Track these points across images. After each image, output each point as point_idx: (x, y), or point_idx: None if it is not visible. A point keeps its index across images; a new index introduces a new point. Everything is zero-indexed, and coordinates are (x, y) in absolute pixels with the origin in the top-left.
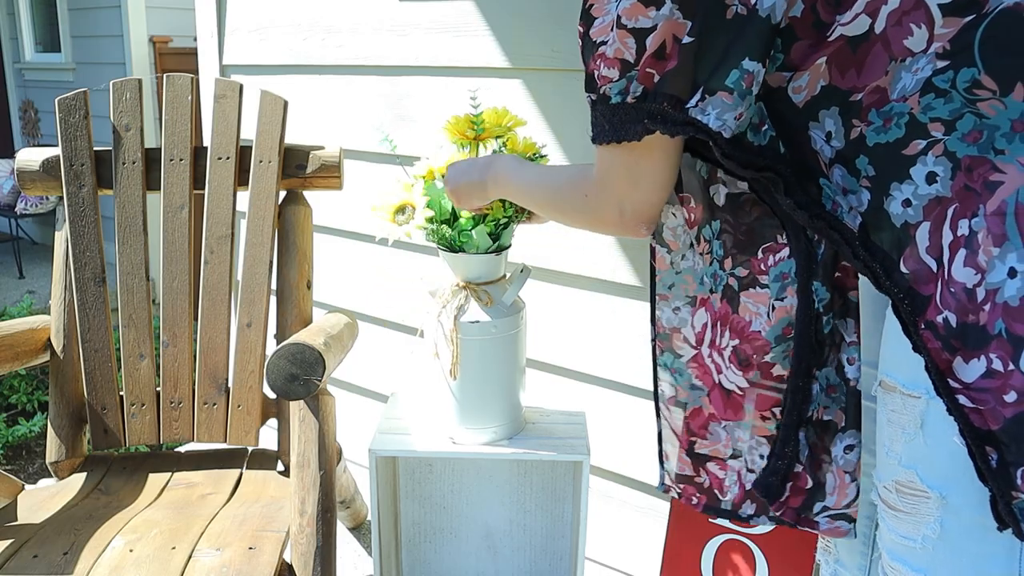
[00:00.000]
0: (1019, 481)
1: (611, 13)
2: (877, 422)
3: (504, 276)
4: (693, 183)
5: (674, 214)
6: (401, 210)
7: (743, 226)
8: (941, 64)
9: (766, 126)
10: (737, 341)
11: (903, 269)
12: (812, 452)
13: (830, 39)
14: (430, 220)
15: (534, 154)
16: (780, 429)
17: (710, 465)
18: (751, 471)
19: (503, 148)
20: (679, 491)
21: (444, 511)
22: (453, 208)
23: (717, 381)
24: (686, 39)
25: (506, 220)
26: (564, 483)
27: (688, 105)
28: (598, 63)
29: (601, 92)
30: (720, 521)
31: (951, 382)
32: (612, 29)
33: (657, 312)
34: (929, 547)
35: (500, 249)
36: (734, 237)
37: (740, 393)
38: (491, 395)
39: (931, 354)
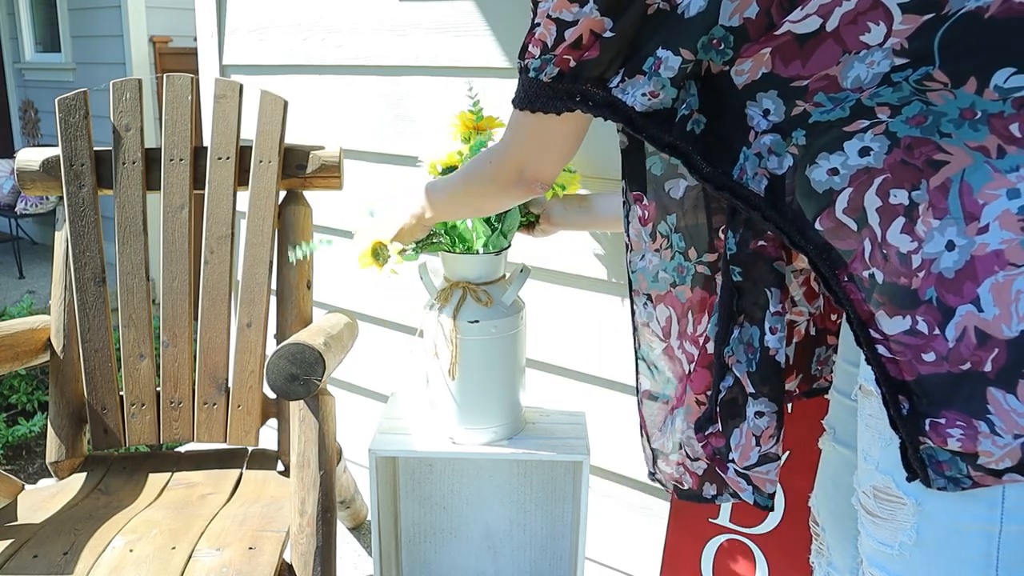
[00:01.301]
0: (927, 428)
1: (549, 1)
2: (858, 426)
3: (504, 276)
4: (644, 181)
5: (639, 216)
6: (376, 253)
7: (699, 215)
8: (900, 62)
9: (684, 104)
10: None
11: (817, 227)
12: (730, 398)
13: (777, 34)
14: (417, 248)
15: None
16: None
17: (660, 463)
18: (696, 459)
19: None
20: (660, 478)
21: (444, 511)
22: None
23: (686, 371)
24: (608, 34)
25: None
26: (564, 483)
27: (611, 85)
28: (530, 39)
29: (524, 64)
30: (720, 521)
31: (872, 332)
32: (545, 15)
33: (633, 306)
34: (906, 554)
35: (500, 249)
36: (694, 227)
37: (689, 374)
38: (491, 395)
39: (853, 305)
